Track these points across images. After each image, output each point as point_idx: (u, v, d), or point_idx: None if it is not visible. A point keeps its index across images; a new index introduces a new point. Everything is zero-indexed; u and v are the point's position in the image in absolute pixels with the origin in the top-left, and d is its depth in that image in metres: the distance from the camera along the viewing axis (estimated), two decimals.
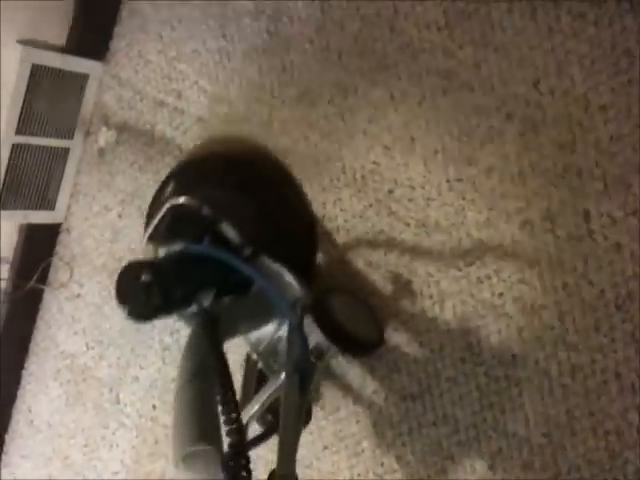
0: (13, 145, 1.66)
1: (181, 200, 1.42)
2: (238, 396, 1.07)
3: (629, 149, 1.25)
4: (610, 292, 1.28)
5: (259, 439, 1.34)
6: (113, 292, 1.23)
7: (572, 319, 1.31)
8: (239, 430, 0.98)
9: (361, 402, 1.50)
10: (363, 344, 1.36)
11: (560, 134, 1.31)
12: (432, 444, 1.43)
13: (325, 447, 1.55)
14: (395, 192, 1.46)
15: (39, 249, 1.88)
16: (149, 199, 1.67)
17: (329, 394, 1.54)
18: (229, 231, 1.38)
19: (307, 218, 1.52)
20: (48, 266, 1.89)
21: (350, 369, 1.51)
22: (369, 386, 1.49)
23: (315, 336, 1.28)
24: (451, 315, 1.41)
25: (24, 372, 1.97)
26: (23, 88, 1.62)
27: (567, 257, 1.31)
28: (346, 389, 1.52)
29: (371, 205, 1.49)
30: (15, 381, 1.98)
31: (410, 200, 1.45)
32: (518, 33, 1.33)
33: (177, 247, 1.34)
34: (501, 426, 1.38)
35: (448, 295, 1.42)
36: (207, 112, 1.66)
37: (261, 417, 1.37)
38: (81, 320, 1.86)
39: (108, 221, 1.81)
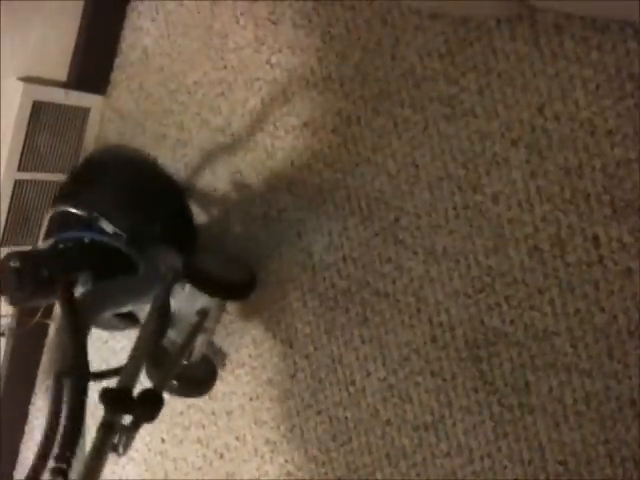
0: (15, 181, 1.66)
1: (55, 209, 1.57)
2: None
3: (637, 173, 1.25)
4: (622, 318, 1.27)
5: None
6: None
7: (585, 346, 1.30)
8: None
9: (373, 433, 1.49)
10: (237, 287, 1.56)
11: (566, 159, 1.30)
12: (447, 475, 1.42)
13: (338, 479, 1.53)
14: (401, 220, 1.45)
15: None
16: None
17: (341, 425, 1.52)
18: (105, 224, 1.50)
19: (174, 190, 1.69)
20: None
21: (361, 400, 1.50)
22: (381, 417, 1.48)
23: (199, 298, 1.48)
24: (462, 343, 1.40)
25: (31, 407, 1.96)
26: (24, 125, 1.62)
27: (577, 283, 1.30)
28: (357, 420, 1.51)
29: (377, 234, 1.48)
30: (22, 416, 1.96)
31: (417, 228, 1.44)
32: (521, 59, 1.32)
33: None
34: (516, 455, 1.36)
35: (458, 323, 1.40)
36: (210, 143, 1.65)
37: None
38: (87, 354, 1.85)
39: None
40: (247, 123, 1.60)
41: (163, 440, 1.76)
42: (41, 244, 1.53)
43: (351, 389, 1.51)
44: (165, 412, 1.73)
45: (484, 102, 1.36)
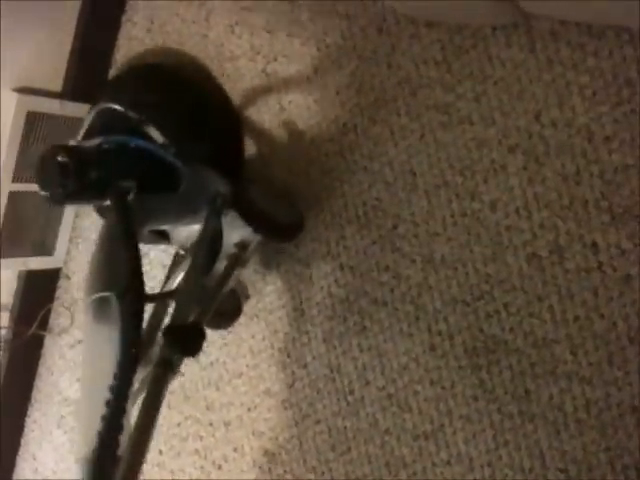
0: (10, 193, 1.64)
1: (105, 104, 1.46)
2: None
3: (635, 179, 1.25)
4: (622, 324, 1.27)
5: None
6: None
7: (585, 353, 1.29)
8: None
9: (373, 443, 1.48)
10: (283, 228, 1.50)
11: (564, 166, 1.30)
12: None
13: None
14: (399, 228, 1.45)
15: (39, 295, 1.85)
16: None
17: (339, 435, 1.51)
18: (153, 132, 1.41)
19: (230, 114, 1.60)
20: (49, 312, 1.87)
21: (360, 409, 1.49)
22: (380, 426, 1.47)
23: (240, 230, 1.38)
24: (461, 351, 1.39)
25: (27, 420, 1.94)
26: (19, 136, 1.60)
27: (577, 290, 1.30)
28: (356, 430, 1.50)
29: (375, 242, 1.47)
30: (18, 429, 1.94)
31: (415, 236, 1.43)
32: (517, 66, 1.32)
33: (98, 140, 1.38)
34: (517, 463, 1.36)
35: (457, 331, 1.40)
36: None
37: None
38: None
39: None
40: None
41: (160, 452, 1.74)
42: (85, 142, 1.39)
43: (350, 398, 1.50)
44: (162, 423, 1.72)
45: (481, 109, 1.36)
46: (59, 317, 1.87)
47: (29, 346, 1.86)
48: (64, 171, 1.20)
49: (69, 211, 1.81)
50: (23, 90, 1.62)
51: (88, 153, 1.30)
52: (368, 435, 1.49)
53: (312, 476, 1.55)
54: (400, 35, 1.42)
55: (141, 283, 1.08)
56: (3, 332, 1.82)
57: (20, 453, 1.95)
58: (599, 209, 1.27)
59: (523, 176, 1.33)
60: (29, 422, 1.94)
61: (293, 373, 1.56)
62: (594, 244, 1.28)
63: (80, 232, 1.83)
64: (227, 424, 1.65)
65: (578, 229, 1.29)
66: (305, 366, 1.55)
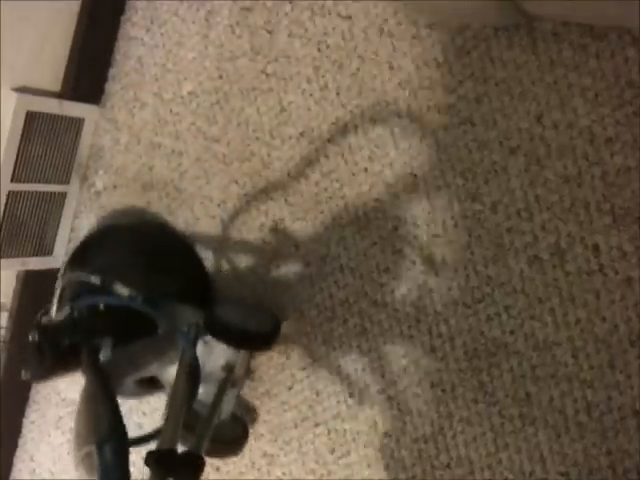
0: (9, 192, 1.64)
1: (67, 276, 1.59)
2: None
3: (636, 181, 1.24)
4: (623, 327, 1.26)
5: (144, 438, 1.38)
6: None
7: (586, 355, 1.29)
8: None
9: (372, 445, 1.47)
10: (258, 335, 1.49)
11: (565, 168, 1.29)
12: None
13: None
14: (399, 230, 1.44)
15: (38, 295, 1.84)
16: None
17: (339, 438, 1.51)
18: (119, 288, 1.49)
19: (184, 246, 1.67)
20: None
21: (360, 412, 1.48)
22: (380, 429, 1.47)
23: (222, 352, 1.44)
24: (461, 354, 1.39)
25: (25, 420, 1.93)
26: (18, 135, 1.60)
27: (578, 292, 1.29)
28: (356, 433, 1.49)
29: (375, 243, 1.47)
30: (16, 430, 1.94)
31: (415, 237, 1.43)
32: (519, 67, 1.32)
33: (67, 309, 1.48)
34: (517, 467, 1.35)
35: (458, 333, 1.39)
36: (205, 153, 1.64)
37: None
38: None
39: None
40: (243, 133, 1.59)
41: None
42: (56, 314, 1.50)
43: (349, 401, 1.50)
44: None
45: (482, 111, 1.35)
46: None
47: (27, 347, 1.85)
48: (39, 349, 1.33)
49: (68, 211, 1.81)
50: (22, 90, 1.61)
51: (59, 326, 1.43)
52: (368, 438, 1.48)
53: (311, 478, 1.55)
54: (401, 36, 1.41)
55: (121, 429, 1.14)
56: (2, 332, 1.81)
57: (18, 454, 1.95)
58: (601, 211, 1.27)
59: (524, 178, 1.32)
60: (27, 423, 1.93)
61: (293, 375, 1.56)
62: (595, 246, 1.27)
63: (79, 232, 1.82)
64: None
65: (579, 231, 1.29)
66: (304, 368, 1.54)
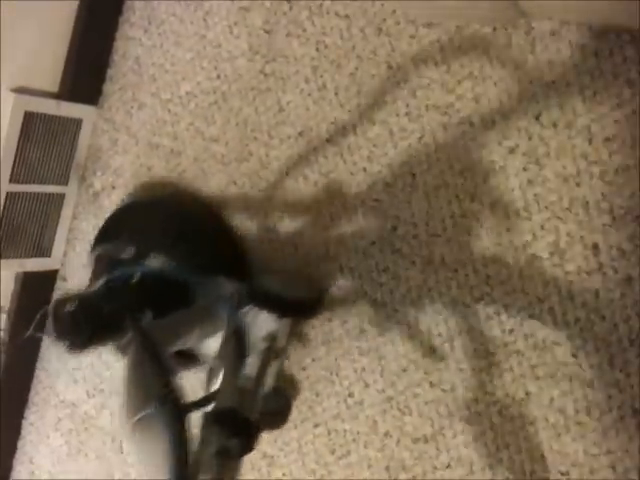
0: (7, 194, 1.63)
1: (102, 248, 1.58)
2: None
3: (635, 180, 1.24)
4: (623, 326, 1.26)
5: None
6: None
7: (585, 355, 1.29)
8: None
9: (372, 446, 1.47)
10: (301, 303, 1.46)
11: (564, 167, 1.29)
12: None
13: None
14: (398, 229, 1.44)
15: (36, 297, 1.84)
16: None
17: (339, 438, 1.51)
18: (156, 259, 1.47)
19: (222, 223, 1.63)
20: (46, 314, 1.86)
21: (360, 412, 1.48)
22: (380, 429, 1.46)
23: (264, 323, 1.37)
24: (461, 353, 1.39)
25: (24, 422, 1.93)
26: (16, 136, 1.59)
27: (577, 291, 1.29)
28: (356, 433, 1.49)
29: (374, 243, 1.46)
30: (15, 432, 1.93)
31: (414, 237, 1.42)
32: (517, 66, 1.32)
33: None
34: (517, 466, 1.35)
35: (457, 333, 1.39)
36: (203, 153, 1.64)
37: None
38: (81, 368, 1.83)
39: None
40: (241, 133, 1.59)
41: None
42: (91, 287, 1.46)
43: (349, 401, 1.49)
44: None
45: (481, 110, 1.35)
46: None
47: (26, 348, 1.85)
48: (75, 319, 1.28)
49: (67, 213, 1.80)
50: (20, 90, 1.61)
51: (94, 296, 1.38)
52: (367, 438, 1.48)
53: (311, 479, 1.55)
54: (399, 36, 1.41)
55: (177, 391, 1.10)
56: (1, 334, 1.81)
57: (17, 456, 1.94)
58: (600, 210, 1.27)
59: (523, 177, 1.32)
60: (26, 425, 1.93)
61: (292, 376, 1.56)
62: (595, 245, 1.27)
63: (77, 233, 1.82)
64: None
65: (579, 230, 1.29)
66: (304, 369, 1.54)
